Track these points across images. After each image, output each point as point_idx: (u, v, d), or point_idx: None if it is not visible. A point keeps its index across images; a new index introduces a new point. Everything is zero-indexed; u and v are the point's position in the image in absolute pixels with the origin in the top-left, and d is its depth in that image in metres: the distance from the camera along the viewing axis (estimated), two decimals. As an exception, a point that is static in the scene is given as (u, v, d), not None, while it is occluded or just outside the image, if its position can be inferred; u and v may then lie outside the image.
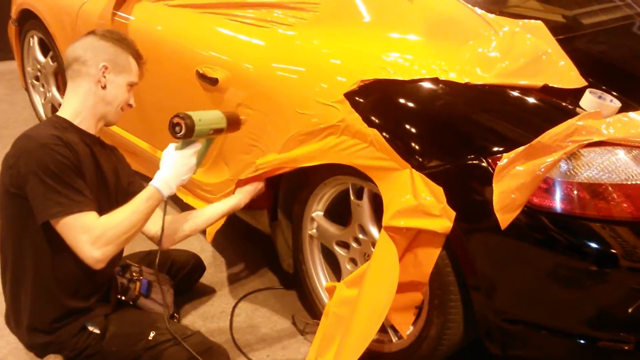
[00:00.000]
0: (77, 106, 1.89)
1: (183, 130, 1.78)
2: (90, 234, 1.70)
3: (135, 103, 2.00)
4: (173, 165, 1.82)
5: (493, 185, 1.60)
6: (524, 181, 1.58)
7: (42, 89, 3.96)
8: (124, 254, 2.10)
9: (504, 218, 1.59)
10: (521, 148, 1.59)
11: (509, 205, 1.59)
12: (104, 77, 1.88)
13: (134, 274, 2.09)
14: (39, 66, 3.87)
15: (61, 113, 1.89)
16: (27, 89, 4.15)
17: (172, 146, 1.86)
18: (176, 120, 1.78)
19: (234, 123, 2.00)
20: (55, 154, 1.72)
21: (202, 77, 2.38)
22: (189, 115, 1.79)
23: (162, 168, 1.82)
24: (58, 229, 1.73)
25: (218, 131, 1.93)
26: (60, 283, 1.84)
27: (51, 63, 3.71)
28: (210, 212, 2.15)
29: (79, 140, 1.84)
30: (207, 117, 1.88)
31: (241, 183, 2.24)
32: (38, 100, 4.06)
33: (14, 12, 3.92)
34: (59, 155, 1.72)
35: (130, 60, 1.95)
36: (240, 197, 2.20)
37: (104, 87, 1.89)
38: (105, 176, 1.93)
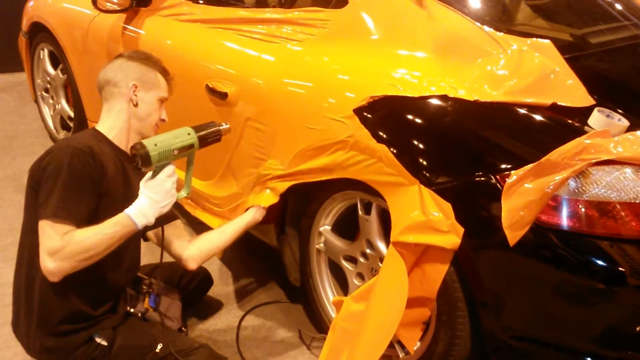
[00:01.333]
0: (111, 123, 1.98)
1: (140, 160, 1.70)
2: (53, 245, 1.69)
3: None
4: (148, 195, 1.76)
5: (502, 202, 1.61)
6: (533, 199, 1.59)
7: (51, 101, 4.00)
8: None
9: (513, 235, 1.60)
10: (530, 165, 1.60)
11: (517, 223, 1.59)
12: (135, 95, 1.97)
13: (144, 287, 2.10)
14: (48, 78, 3.91)
15: (98, 127, 1.98)
16: (36, 101, 4.18)
17: (148, 175, 1.79)
18: (132, 151, 1.72)
19: (210, 136, 1.87)
20: (78, 160, 1.75)
21: (212, 91, 2.40)
22: (142, 144, 1.71)
23: (139, 197, 1.77)
24: (38, 228, 1.73)
25: (187, 148, 1.81)
26: (71, 284, 1.82)
27: (61, 75, 3.74)
28: (232, 230, 2.19)
29: (112, 153, 1.91)
30: (166, 138, 1.77)
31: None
32: (47, 112, 4.09)
33: (24, 25, 3.96)
34: (81, 163, 1.76)
35: (158, 76, 2.05)
36: (256, 211, 2.23)
37: (135, 105, 1.98)
38: (132, 191, 1.94)
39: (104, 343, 1.90)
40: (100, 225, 1.73)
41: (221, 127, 1.90)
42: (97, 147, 1.85)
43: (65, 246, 1.69)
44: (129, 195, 1.91)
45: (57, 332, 1.88)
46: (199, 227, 2.90)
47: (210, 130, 1.88)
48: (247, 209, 2.25)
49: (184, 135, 1.81)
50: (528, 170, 1.60)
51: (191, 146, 1.82)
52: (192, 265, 2.10)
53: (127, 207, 1.81)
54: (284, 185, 2.14)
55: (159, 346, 1.93)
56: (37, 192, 1.79)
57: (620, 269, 1.56)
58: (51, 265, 1.69)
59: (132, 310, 2.03)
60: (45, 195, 1.74)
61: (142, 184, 1.78)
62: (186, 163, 1.89)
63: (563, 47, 1.99)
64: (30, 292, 1.89)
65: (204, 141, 1.86)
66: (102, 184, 1.82)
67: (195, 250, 2.10)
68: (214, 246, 2.15)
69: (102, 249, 1.73)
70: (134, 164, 1.73)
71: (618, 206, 1.58)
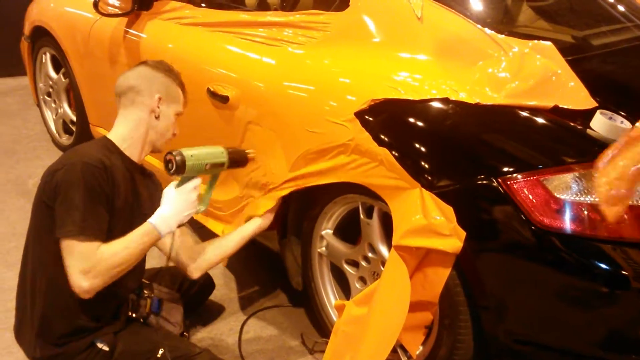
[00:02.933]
0: (126, 132, 1.94)
1: (174, 167, 1.79)
2: (85, 263, 1.71)
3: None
4: (172, 203, 1.83)
5: (595, 179, 1.55)
6: (626, 173, 1.52)
7: (53, 105, 4.00)
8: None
9: (611, 211, 1.54)
10: (620, 143, 1.54)
11: (612, 198, 1.53)
12: (158, 107, 1.94)
13: (145, 292, 2.10)
14: (51, 82, 3.91)
15: (111, 136, 1.94)
16: (38, 105, 4.18)
17: (172, 184, 1.87)
18: (168, 157, 1.80)
19: (238, 159, 2.01)
20: (92, 176, 1.75)
21: (213, 94, 2.40)
22: (180, 151, 1.81)
23: (161, 205, 1.84)
24: (61, 247, 1.74)
25: (217, 166, 1.93)
26: (75, 300, 1.82)
27: (63, 79, 3.74)
28: (237, 238, 2.18)
29: (122, 165, 1.89)
30: (202, 152, 1.88)
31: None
32: (50, 116, 4.09)
33: (26, 29, 3.97)
34: (95, 179, 1.75)
35: (179, 91, 2.02)
36: (262, 219, 2.23)
37: (157, 117, 1.95)
38: (141, 203, 1.96)
39: (106, 348, 1.90)
40: (126, 238, 1.77)
41: (249, 154, 2.04)
42: (108, 160, 1.83)
43: (98, 263, 1.71)
44: (137, 205, 1.92)
45: (59, 343, 1.88)
46: (201, 231, 2.90)
47: (239, 154, 2.02)
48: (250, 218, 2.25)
49: (218, 152, 1.94)
50: (620, 148, 1.54)
51: (222, 164, 1.94)
52: (196, 274, 2.10)
53: (135, 218, 1.84)
54: (286, 191, 2.13)
55: (161, 351, 1.92)
56: (49, 208, 1.78)
57: (623, 272, 1.55)
58: (85, 284, 1.71)
59: (134, 315, 2.03)
60: (64, 214, 1.73)
61: (165, 192, 1.85)
62: (210, 179, 2.00)
63: (565, 49, 1.98)
64: (33, 304, 1.89)
65: (233, 163, 1.98)
66: (114, 197, 1.83)
67: (200, 259, 2.09)
68: (219, 256, 2.14)
69: (132, 261, 1.78)
70: (166, 169, 1.81)
71: (621, 209, 1.57)
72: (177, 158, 1.79)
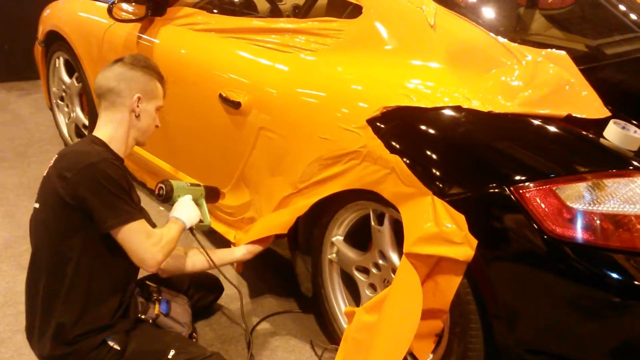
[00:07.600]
0: (111, 132, 1.99)
1: (164, 191, 2.12)
2: (154, 239, 1.89)
3: (160, 123, 2.13)
4: (181, 208, 2.09)
5: None
6: None
7: (66, 109, 4.02)
8: (139, 275, 2.14)
9: None
10: None
11: None
12: (138, 106, 1.99)
13: (153, 294, 2.12)
14: (64, 87, 3.94)
15: (97, 134, 1.99)
16: (51, 109, 4.21)
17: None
18: (158, 186, 2.14)
19: (213, 189, 2.36)
20: (115, 168, 1.86)
21: (225, 100, 2.41)
22: (166, 180, 2.16)
23: (173, 211, 2.07)
24: (120, 236, 1.85)
25: (195, 185, 2.26)
26: (92, 294, 1.90)
27: (76, 84, 3.77)
28: (217, 260, 2.27)
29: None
30: (181, 181, 2.23)
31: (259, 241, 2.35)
32: (62, 120, 4.11)
33: (40, 34, 4.00)
34: (118, 169, 1.86)
35: (157, 85, 2.07)
36: (244, 253, 2.35)
37: (137, 116, 2.00)
38: (135, 195, 2.03)
39: (117, 347, 1.92)
40: (164, 227, 1.99)
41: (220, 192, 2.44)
42: (110, 155, 1.91)
43: (162, 237, 1.92)
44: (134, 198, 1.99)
45: (73, 341, 1.90)
46: (211, 236, 2.91)
47: (213, 188, 2.39)
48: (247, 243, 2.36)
49: (193, 182, 2.31)
50: None
51: (199, 184, 2.28)
52: (163, 275, 2.17)
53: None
54: (304, 207, 2.14)
55: (172, 352, 1.94)
56: (72, 207, 1.82)
57: (635, 282, 1.54)
58: (160, 255, 1.90)
59: (143, 316, 2.04)
60: (109, 208, 1.82)
61: (172, 211, 2.10)
62: (201, 204, 2.26)
63: (578, 58, 1.98)
64: (48, 303, 1.91)
65: (207, 188, 2.31)
66: (132, 189, 1.96)
67: (173, 264, 2.16)
68: (192, 269, 2.23)
69: (175, 244, 1.98)
70: (158, 196, 2.13)
71: (634, 219, 1.56)
72: (166, 184, 2.13)
